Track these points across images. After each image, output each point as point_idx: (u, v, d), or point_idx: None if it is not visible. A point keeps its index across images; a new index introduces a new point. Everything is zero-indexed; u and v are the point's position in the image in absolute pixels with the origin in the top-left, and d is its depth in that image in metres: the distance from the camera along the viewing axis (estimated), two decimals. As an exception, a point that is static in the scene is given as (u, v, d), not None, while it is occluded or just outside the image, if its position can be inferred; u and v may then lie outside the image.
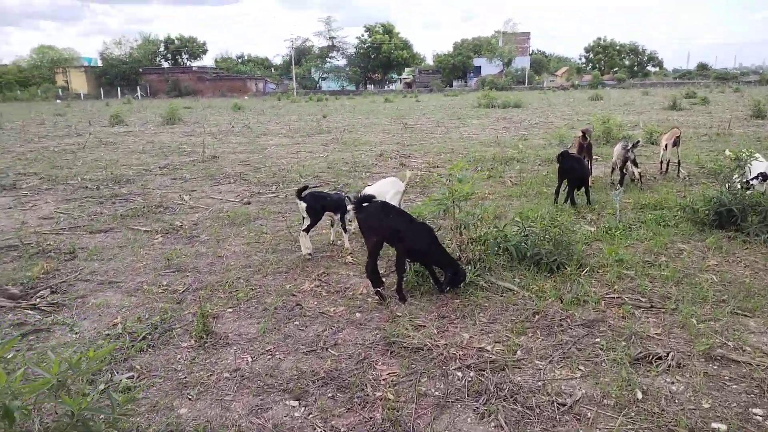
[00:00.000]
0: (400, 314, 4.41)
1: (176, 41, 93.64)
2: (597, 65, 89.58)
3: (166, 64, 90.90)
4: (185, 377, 3.50)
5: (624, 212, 7.45)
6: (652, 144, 13.95)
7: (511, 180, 9.91)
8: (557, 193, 7.92)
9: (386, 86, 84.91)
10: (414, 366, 3.61)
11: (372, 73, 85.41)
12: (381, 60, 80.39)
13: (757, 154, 7.14)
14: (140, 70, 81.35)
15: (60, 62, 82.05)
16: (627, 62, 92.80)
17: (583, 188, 7.89)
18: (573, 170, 7.63)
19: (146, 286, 5.09)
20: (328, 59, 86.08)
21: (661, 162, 10.20)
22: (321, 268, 5.51)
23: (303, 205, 5.97)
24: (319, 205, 6.11)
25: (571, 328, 4.16)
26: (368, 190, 6.51)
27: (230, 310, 4.52)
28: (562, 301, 4.57)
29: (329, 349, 3.84)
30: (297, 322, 4.28)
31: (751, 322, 4.24)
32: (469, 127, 20.75)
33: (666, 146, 9.94)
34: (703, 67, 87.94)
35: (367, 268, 4.64)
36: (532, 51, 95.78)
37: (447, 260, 4.70)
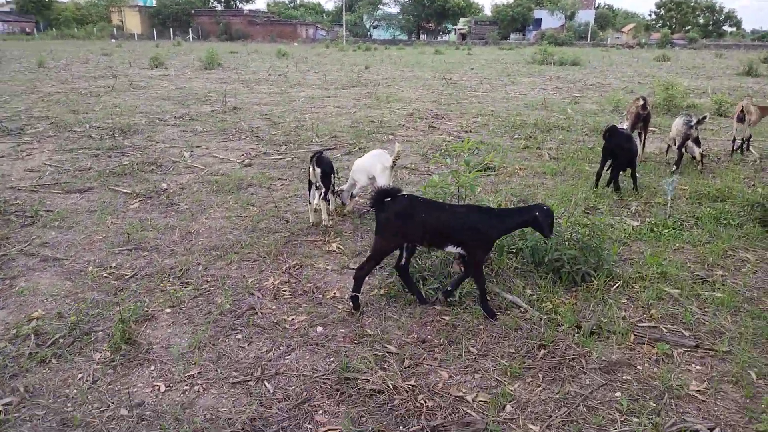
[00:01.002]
0: (371, 332, 3.54)
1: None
2: (668, 23, 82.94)
3: (219, 7, 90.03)
4: (73, 410, 2.78)
5: (677, 203, 6.25)
6: (720, 116, 12.27)
7: (550, 153, 8.70)
8: (598, 175, 6.73)
9: (440, 37, 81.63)
10: (364, 420, 2.76)
11: (426, 22, 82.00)
12: (435, 9, 76.79)
13: None
14: (192, 11, 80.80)
15: (115, 1, 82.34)
16: (701, 21, 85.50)
17: (630, 171, 6.68)
18: (621, 149, 6.41)
19: (91, 267, 4.40)
20: (381, 6, 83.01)
21: (734, 139, 8.74)
22: (297, 257, 4.68)
23: (318, 171, 5.19)
24: (332, 170, 5.42)
25: (585, 373, 3.20)
26: (356, 164, 5.62)
27: (168, 310, 3.76)
28: (579, 330, 3.59)
29: (265, 382, 3.03)
30: (241, 335, 3.49)
31: (834, 383, 3.17)
32: (517, 86, 19.16)
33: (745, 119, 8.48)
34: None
35: (361, 269, 3.76)
36: (598, 4, 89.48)
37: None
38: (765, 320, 3.79)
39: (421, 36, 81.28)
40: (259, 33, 75.30)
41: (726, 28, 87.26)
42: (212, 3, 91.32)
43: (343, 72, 24.27)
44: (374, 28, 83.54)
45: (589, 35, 67.77)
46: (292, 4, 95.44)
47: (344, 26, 73.14)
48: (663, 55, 36.49)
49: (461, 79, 21.39)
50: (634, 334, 3.60)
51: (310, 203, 5.41)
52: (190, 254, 4.68)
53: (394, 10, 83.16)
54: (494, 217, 3.69)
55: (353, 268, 4.47)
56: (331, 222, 5.46)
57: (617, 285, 4.22)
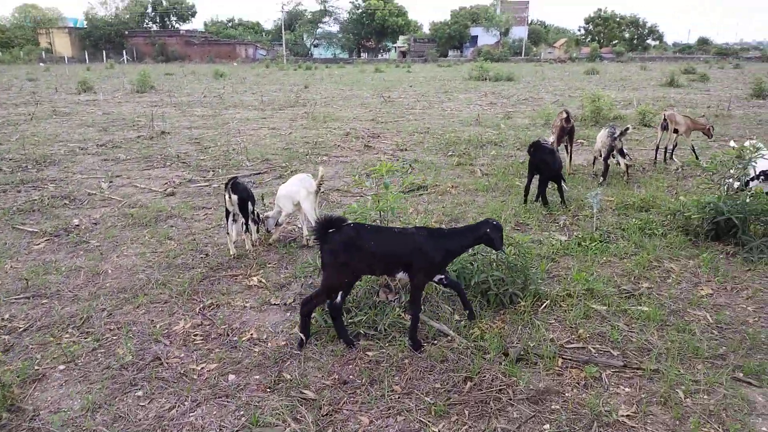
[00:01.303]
0: (288, 376, 3.29)
1: (164, 2, 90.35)
2: (596, 37, 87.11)
3: (155, 27, 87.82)
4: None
5: (604, 215, 6.32)
6: (645, 126, 12.76)
7: (482, 169, 8.72)
8: (526, 190, 6.74)
9: (380, 55, 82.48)
10: (271, 481, 2.51)
11: (366, 40, 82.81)
12: (375, 27, 77.70)
13: (762, 148, 5.93)
14: (126, 33, 78.49)
15: (43, 23, 78.94)
16: (627, 35, 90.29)
17: (556, 185, 6.73)
18: (545, 163, 6.44)
19: (-22, 320, 3.94)
20: (321, 25, 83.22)
21: (657, 148, 9.09)
22: (213, 295, 4.36)
23: (235, 197, 4.93)
24: (250, 197, 5.18)
25: (512, 405, 3.06)
26: (280, 191, 5.40)
27: (62, 367, 3.38)
28: (506, 356, 3.46)
29: (163, 446, 2.73)
30: (142, 392, 3.15)
31: (758, 396, 3.15)
32: (453, 102, 19.42)
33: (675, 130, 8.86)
34: (703, 42, 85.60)
35: (308, 303, 3.52)
36: (531, 21, 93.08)
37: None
38: (690, 333, 3.79)
39: (362, 54, 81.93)
40: (196, 53, 73.89)
41: (650, 41, 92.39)
42: (147, 23, 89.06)
43: (281, 92, 23.97)
44: (315, 46, 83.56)
45: (523, 50, 70.24)
46: (230, 24, 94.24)
47: (284, 45, 72.88)
48: (592, 68, 38.11)
49: (399, 97, 21.51)
50: (562, 358, 3.50)
51: (228, 234, 5.12)
52: (95, 299, 4.28)
53: (334, 28, 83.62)
54: (443, 239, 3.58)
55: (275, 304, 4.22)
56: (254, 253, 5.17)
57: (545, 305, 4.14)
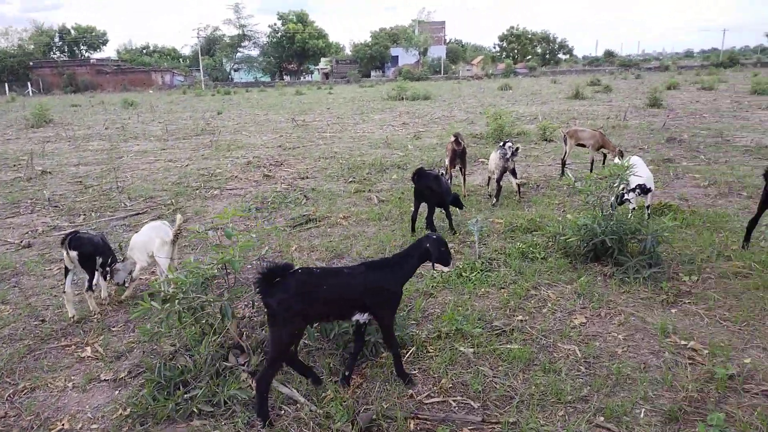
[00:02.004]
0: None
1: (72, 31, 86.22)
2: (511, 54, 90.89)
3: (63, 57, 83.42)
4: None
5: (491, 240, 6.17)
6: (546, 141, 13.03)
7: (378, 195, 8.45)
8: (413, 219, 6.51)
9: (303, 77, 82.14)
10: None
11: (288, 63, 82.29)
12: (295, 50, 77.39)
13: (635, 162, 5.95)
14: (30, 63, 74.08)
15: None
16: (539, 50, 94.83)
17: (445, 211, 6.54)
18: (430, 191, 6.23)
19: None
20: (240, 49, 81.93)
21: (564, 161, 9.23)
22: (34, 374, 3.75)
23: (74, 254, 4.37)
24: (98, 250, 4.66)
25: (350, 486, 2.69)
26: (132, 241, 4.87)
27: None
28: (353, 426, 3.10)
29: None
30: None
31: (615, 444, 2.94)
32: (367, 124, 19.29)
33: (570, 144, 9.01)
34: (609, 55, 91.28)
35: (264, 377, 3.12)
36: (449, 40, 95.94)
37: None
38: (555, 373, 3.58)
39: (286, 77, 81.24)
40: (109, 82, 70.70)
41: (561, 55, 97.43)
42: (54, 53, 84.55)
43: (191, 119, 23.03)
44: (235, 71, 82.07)
45: (442, 69, 71.94)
46: (144, 51, 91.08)
47: (201, 71, 71.12)
48: (506, 84, 39.38)
49: (314, 120, 21.18)
50: (418, 418, 3.18)
51: (65, 293, 4.52)
52: None
53: (254, 52, 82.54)
54: (393, 267, 3.46)
55: (105, 380, 3.67)
56: (99, 315, 4.59)
57: (410, 352, 3.83)
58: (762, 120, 15.22)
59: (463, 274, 5.18)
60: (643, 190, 6.11)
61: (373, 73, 77.96)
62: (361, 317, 3.36)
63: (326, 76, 76.59)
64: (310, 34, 76.69)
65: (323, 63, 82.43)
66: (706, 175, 8.59)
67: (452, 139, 7.97)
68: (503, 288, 4.92)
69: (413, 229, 6.48)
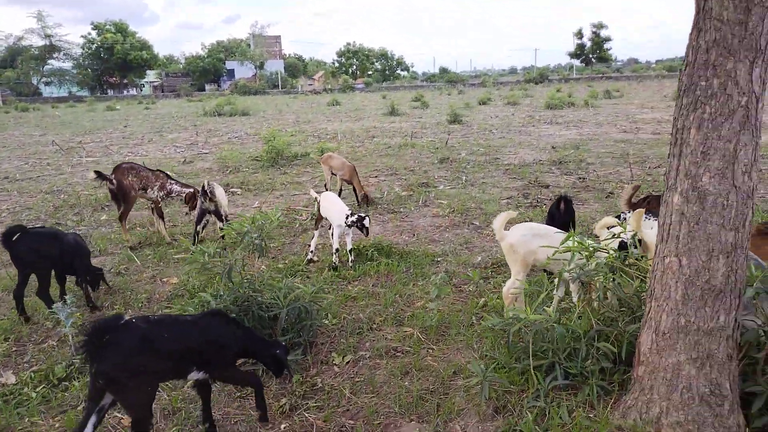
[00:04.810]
0: None
1: None
2: (350, 69, 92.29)
3: None
4: None
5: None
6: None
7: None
8: (19, 298, 4.49)
9: (128, 90, 75.19)
10: None
11: (109, 76, 74.71)
12: (116, 62, 70.35)
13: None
14: None
15: None
16: (379, 66, 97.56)
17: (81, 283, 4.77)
18: (36, 256, 4.47)
19: None
20: (50, 61, 72.47)
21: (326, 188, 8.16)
22: None
23: None
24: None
25: None
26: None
27: None
28: None
29: None
30: None
31: None
32: (153, 144, 17.09)
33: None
34: (444, 71, 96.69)
35: None
36: (287, 55, 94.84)
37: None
38: None
39: (108, 91, 73.60)
40: None
41: (400, 71, 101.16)
42: None
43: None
44: (46, 84, 72.47)
45: (280, 83, 70.33)
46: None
47: (-1, 84, 61.79)
48: (334, 99, 38.88)
49: (91, 141, 18.37)
50: None
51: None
52: None
53: (67, 64, 73.54)
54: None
55: None
56: None
57: None
58: (541, 135, 15.84)
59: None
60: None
61: (207, 87, 73.87)
62: (197, 375, 2.90)
63: (156, 89, 70.80)
64: (132, 45, 70.24)
65: (152, 76, 76.41)
66: (453, 201, 8.02)
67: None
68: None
69: (19, 310, 4.60)
